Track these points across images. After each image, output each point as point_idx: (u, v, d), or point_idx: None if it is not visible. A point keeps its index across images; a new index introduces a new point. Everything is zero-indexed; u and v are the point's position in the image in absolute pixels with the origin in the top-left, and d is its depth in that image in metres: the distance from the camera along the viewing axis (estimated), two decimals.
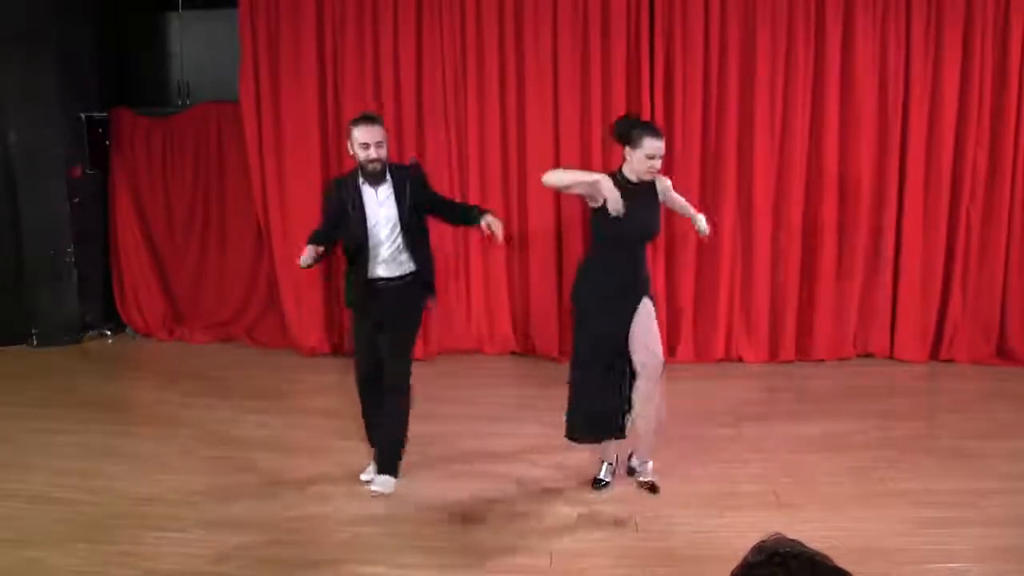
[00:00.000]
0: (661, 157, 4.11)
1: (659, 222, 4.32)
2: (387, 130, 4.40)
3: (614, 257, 4.20)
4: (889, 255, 6.54)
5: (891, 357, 6.64)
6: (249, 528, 4.04)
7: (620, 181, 4.09)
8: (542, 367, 6.67)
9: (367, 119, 4.32)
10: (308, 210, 6.91)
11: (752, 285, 6.61)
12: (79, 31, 7.24)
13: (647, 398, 4.26)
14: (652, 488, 4.38)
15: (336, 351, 7.11)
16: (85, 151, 7.39)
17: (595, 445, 4.45)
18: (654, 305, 4.31)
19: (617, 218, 4.00)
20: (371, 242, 4.31)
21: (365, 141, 4.22)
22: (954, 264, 6.48)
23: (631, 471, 4.53)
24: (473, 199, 6.70)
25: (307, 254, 4.17)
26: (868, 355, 6.69)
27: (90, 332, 7.56)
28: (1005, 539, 3.81)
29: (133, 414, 5.97)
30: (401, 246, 4.34)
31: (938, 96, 6.32)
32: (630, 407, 4.29)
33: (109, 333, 7.67)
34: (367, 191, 4.31)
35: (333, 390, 6.21)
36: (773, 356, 6.66)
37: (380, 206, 4.31)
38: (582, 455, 4.86)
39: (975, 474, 4.50)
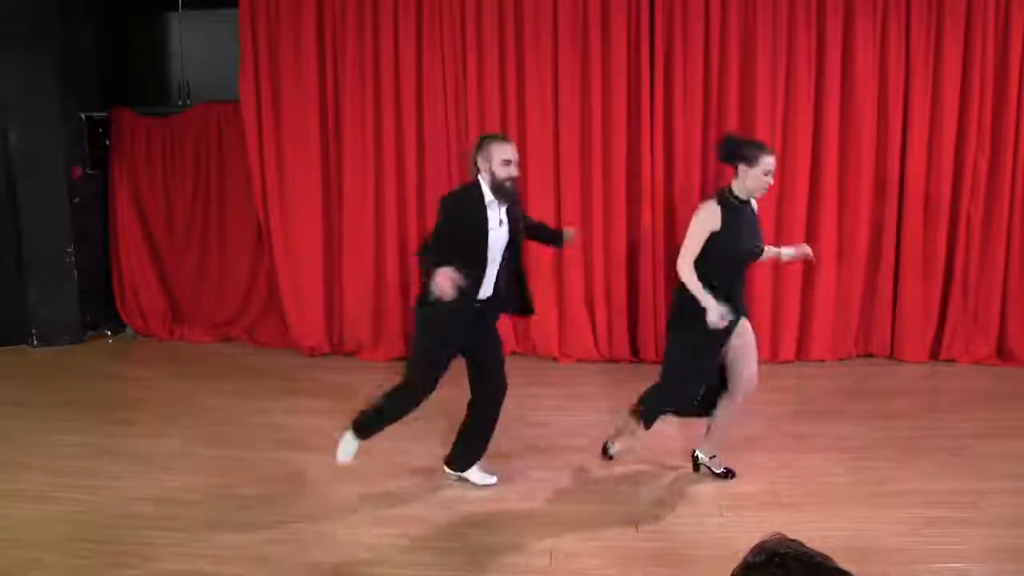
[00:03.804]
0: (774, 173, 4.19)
1: (763, 241, 4.34)
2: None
3: (720, 278, 4.14)
4: (890, 255, 6.55)
5: (892, 357, 6.65)
6: (249, 528, 4.04)
7: (728, 198, 4.15)
8: (542, 367, 6.68)
9: (505, 138, 4.41)
10: (308, 210, 6.95)
11: (753, 285, 6.60)
12: (79, 31, 7.24)
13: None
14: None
15: (336, 351, 7.11)
16: (85, 151, 7.39)
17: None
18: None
19: (731, 240, 4.11)
20: (488, 264, 4.23)
21: (508, 158, 4.17)
22: (955, 264, 6.48)
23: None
24: None
25: (449, 283, 3.93)
26: (869, 355, 6.70)
27: (90, 332, 7.56)
28: (1006, 539, 3.81)
29: (133, 414, 5.97)
30: (506, 269, 4.28)
31: (939, 97, 6.32)
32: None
33: (109, 333, 7.67)
34: (491, 211, 4.20)
35: (334, 390, 6.21)
36: (773, 356, 6.65)
37: (499, 226, 4.23)
38: (579, 455, 4.86)
39: (976, 474, 4.50)
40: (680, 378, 4.31)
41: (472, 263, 4.12)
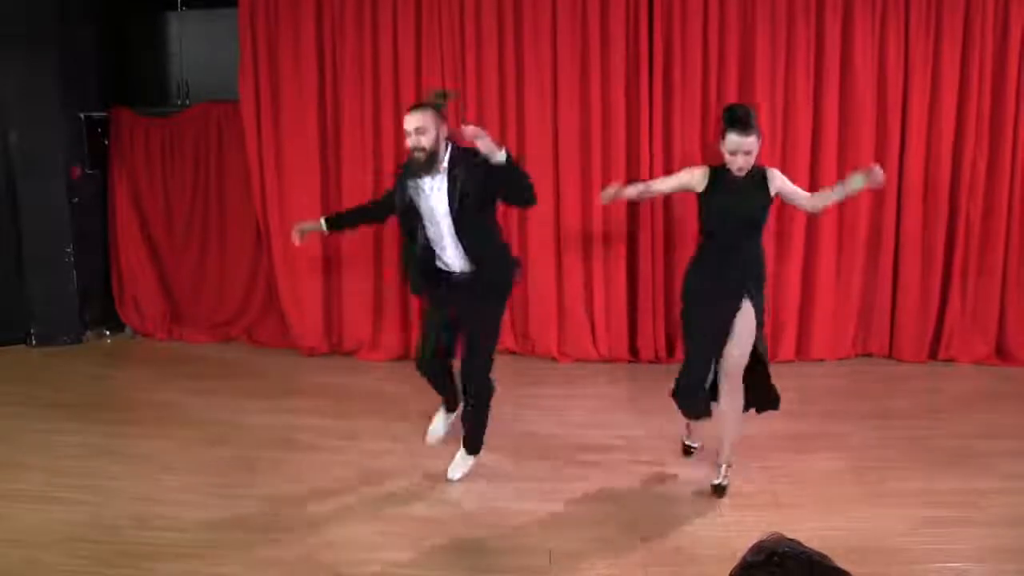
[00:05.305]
0: (745, 153, 4.02)
1: (758, 213, 4.19)
2: (443, 115, 4.15)
3: (710, 247, 4.22)
4: (889, 255, 6.55)
5: (890, 357, 6.65)
6: (248, 528, 4.05)
7: (725, 170, 4.10)
8: (540, 367, 6.68)
9: (413, 106, 4.18)
10: (307, 209, 6.94)
11: None
12: (79, 31, 7.23)
13: (730, 394, 4.33)
14: (718, 490, 4.34)
15: (335, 351, 7.11)
16: (84, 151, 7.38)
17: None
18: (760, 307, 4.23)
19: (713, 204, 4.14)
20: (430, 234, 4.20)
21: (406, 129, 4.06)
22: (953, 263, 6.48)
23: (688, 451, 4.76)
24: None
25: (300, 227, 4.45)
26: (868, 355, 6.70)
27: (89, 332, 7.55)
28: (1005, 539, 3.81)
29: (132, 414, 5.96)
30: (456, 242, 4.18)
31: (937, 96, 6.32)
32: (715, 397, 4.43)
33: (108, 333, 7.66)
34: (424, 180, 4.12)
35: (333, 390, 6.21)
36: (772, 356, 6.62)
37: (430, 197, 4.14)
38: (577, 454, 4.87)
39: (975, 474, 4.50)
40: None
41: (407, 233, 4.33)
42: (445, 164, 4.13)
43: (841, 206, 6.47)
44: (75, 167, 7.33)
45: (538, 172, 6.60)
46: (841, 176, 6.41)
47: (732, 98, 6.42)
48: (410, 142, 4.07)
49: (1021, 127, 6.28)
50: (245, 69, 6.85)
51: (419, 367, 4.58)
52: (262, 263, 7.35)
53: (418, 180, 4.15)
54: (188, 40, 7.48)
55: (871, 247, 6.57)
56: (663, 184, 4.46)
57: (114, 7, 7.48)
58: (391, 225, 6.83)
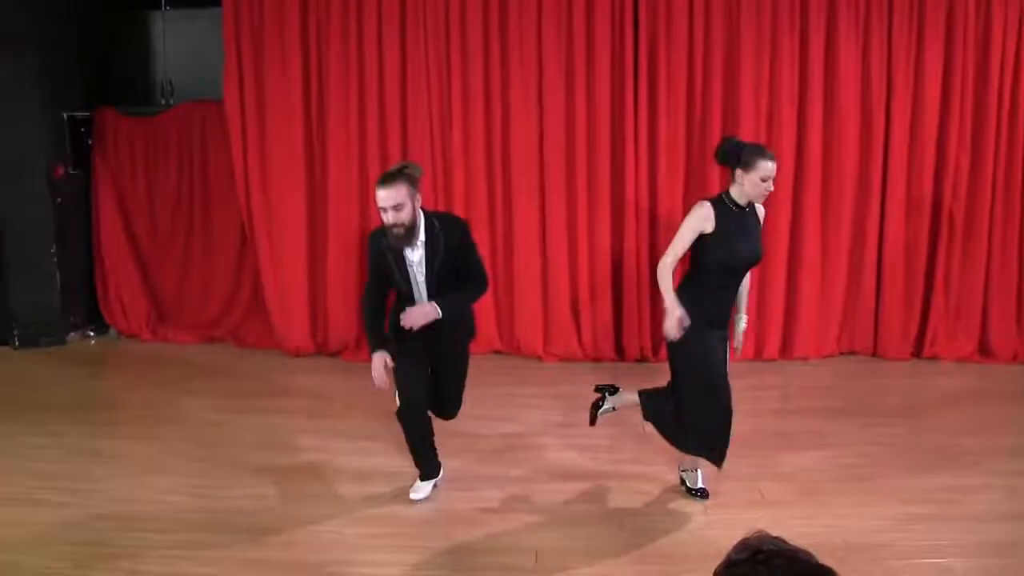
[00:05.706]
0: (772, 180, 3.97)
1: (762, 248, 4.12)
2: (412, 183, 3.96)
3: (707, 283, 4.03)
4: (873, 253, 6.59)
5: (875, 355, 6.69)
6: (234, 529, 4.03)
7: (727, 204, 3.99)
8: (526, 366, 6.69)
9: (381, 180, 3.94)
10: (292, 210, 6.93)
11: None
12: (61, 30, 7.19)
13: None
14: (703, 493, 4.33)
15: (321, 351, 7.09)
16: (68, 151, 7.34)
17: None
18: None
19: (723, 246, 3.94)
20: (415, 297, 4.15)
21: (381, 206, 3.90)
22: (937, 262, 6.53)
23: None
24: (458, 199, 6.72)
25: (379, 369, 4.09)
26: (852, 352, 6.74)
27: (73, 333, 7.51)
28: (988, 534, 3.84)
29: (117, 415, 5.92)
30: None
31: (920, 97, 6.37)
32: None
33: (92, 334, 7.62)
34: (405, 250, 4.05)
35: (319, 390, 6.20)
36: (758, 354, 6.68)
37: (414, 267, 4.10)
38: (566, 454, 4.88)
39: (958, 470, 4.54)
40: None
41: (404, 298, 4.19)
42: (422, 237, 4.06)
43: (825, 204, 6.54)
44: (58, 167, 7.28)
45: (524, 172, 6.66)
46: (825, 175, 6.50)
47: (717, 101, 6.47)
48: (387, 219, 3.92)
49: (1003, 128, 6.35)
50: (229, 69, 6.83)
51: (404, 415, 4.27)
52: (247, 264, 7.32)
53: (399, 251, 4.09)
54: (172, 39, 7.45)
55: (855, 246, 6.61)
56: (678, 252, 4.02)
57: (97, 6, 7.44)
58: (374, 225, 6.85)
